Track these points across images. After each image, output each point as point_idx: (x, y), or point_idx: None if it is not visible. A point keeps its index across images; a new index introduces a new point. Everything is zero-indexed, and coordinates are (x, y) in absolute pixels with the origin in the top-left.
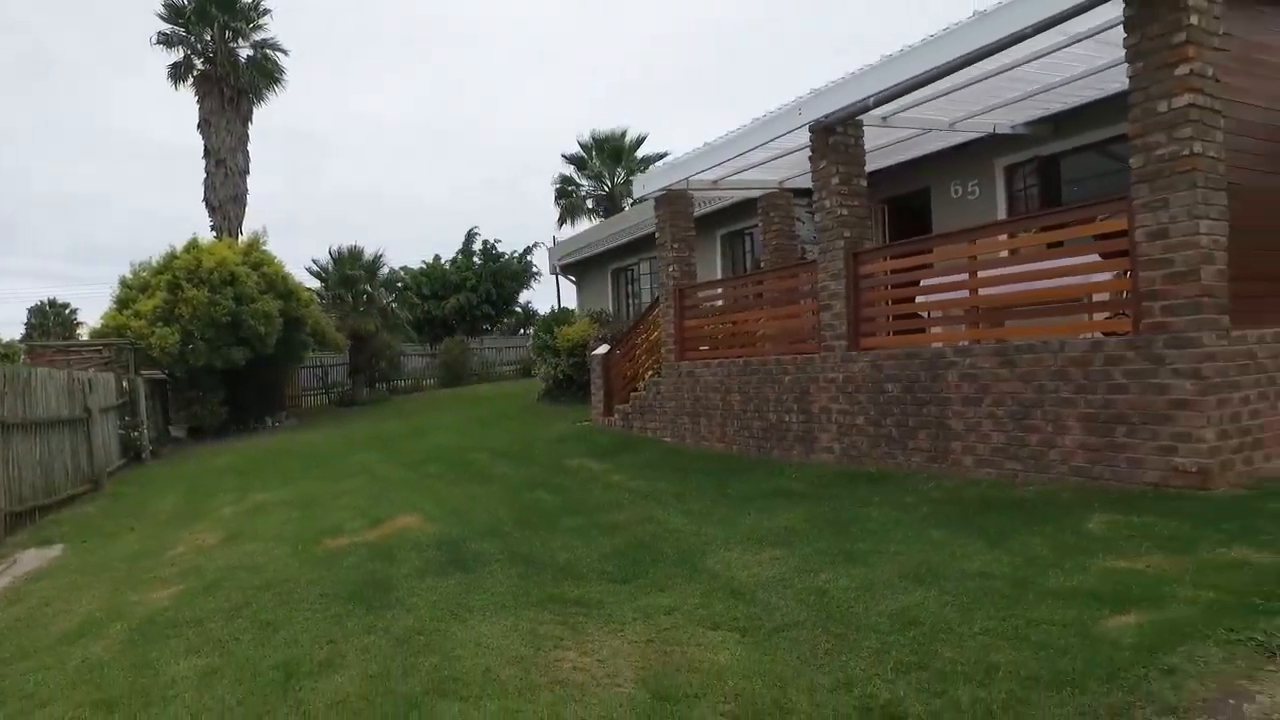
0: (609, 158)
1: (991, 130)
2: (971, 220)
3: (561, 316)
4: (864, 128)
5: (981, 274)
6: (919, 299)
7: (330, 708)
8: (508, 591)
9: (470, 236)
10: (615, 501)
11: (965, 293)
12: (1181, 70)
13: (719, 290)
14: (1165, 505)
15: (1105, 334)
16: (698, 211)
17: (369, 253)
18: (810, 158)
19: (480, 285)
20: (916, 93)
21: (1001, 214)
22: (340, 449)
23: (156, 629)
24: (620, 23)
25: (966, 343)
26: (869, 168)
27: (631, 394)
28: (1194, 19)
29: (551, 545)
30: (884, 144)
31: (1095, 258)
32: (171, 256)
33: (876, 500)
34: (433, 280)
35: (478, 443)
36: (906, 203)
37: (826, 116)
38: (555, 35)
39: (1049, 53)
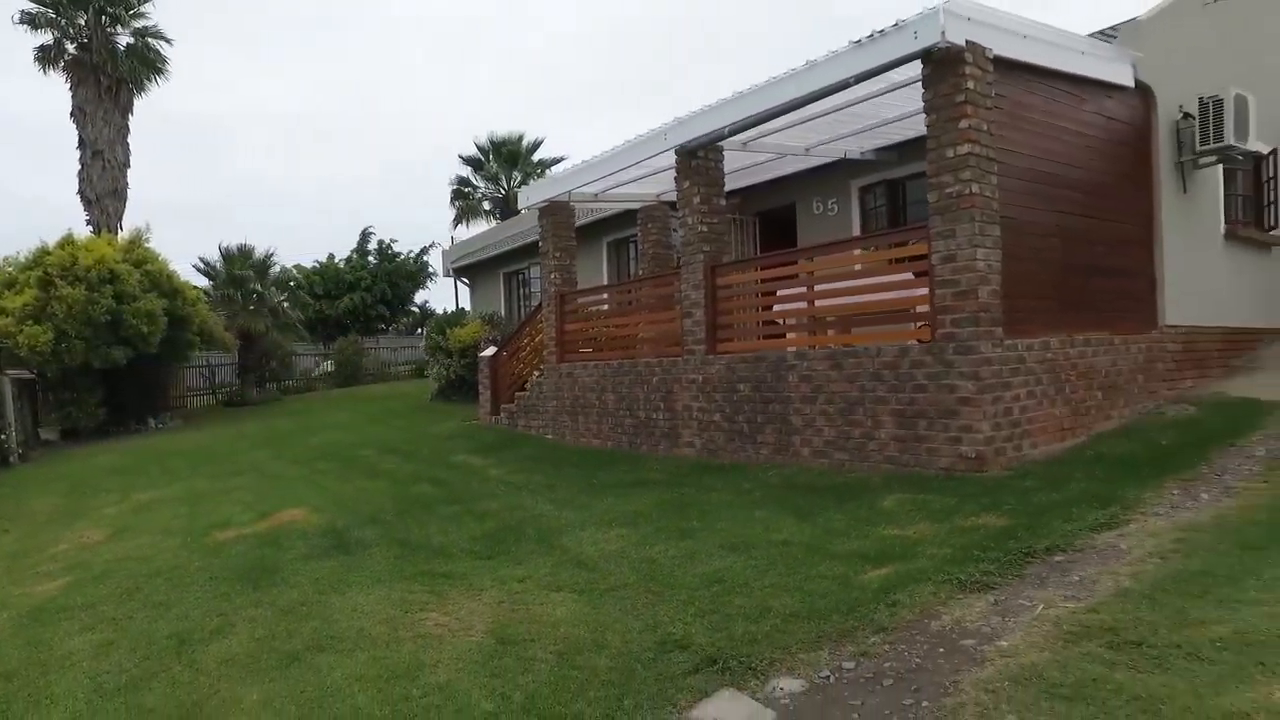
0: (506, 161)
1: (843, 155)
2: (831, 233)
3: (454, 318)
4: (726, 152)
5: (818, 288)
6: (776, 308)
7: (221, 664)
8: (384, 569)
9: (365, 235)
10: (491, 492)
11: (804, 304)
12: (963, 124)
13: (596, 297)
14: (948, 486)
15: (920, 341)
16: (586, 220)
17: (260, 251)
18: (675, 178)
19: (375, 285)
20: (774, 122)
21: (856, 229)
22: (229, 448)
23: (47, 614)
24: (526, 20)
25: (806, 348)
26: (743, 184)
27: (517, 394)
28: (971, 84)
29: (428, 530)
30: (756, 163)
31: (910, 276)
32: (43, 252)
33: (720, 488)
34: (326, 279)
35: (367, 440)
36: (776, 216)
37: (689, 142)
38: (456, 34)
39: (874, 96)
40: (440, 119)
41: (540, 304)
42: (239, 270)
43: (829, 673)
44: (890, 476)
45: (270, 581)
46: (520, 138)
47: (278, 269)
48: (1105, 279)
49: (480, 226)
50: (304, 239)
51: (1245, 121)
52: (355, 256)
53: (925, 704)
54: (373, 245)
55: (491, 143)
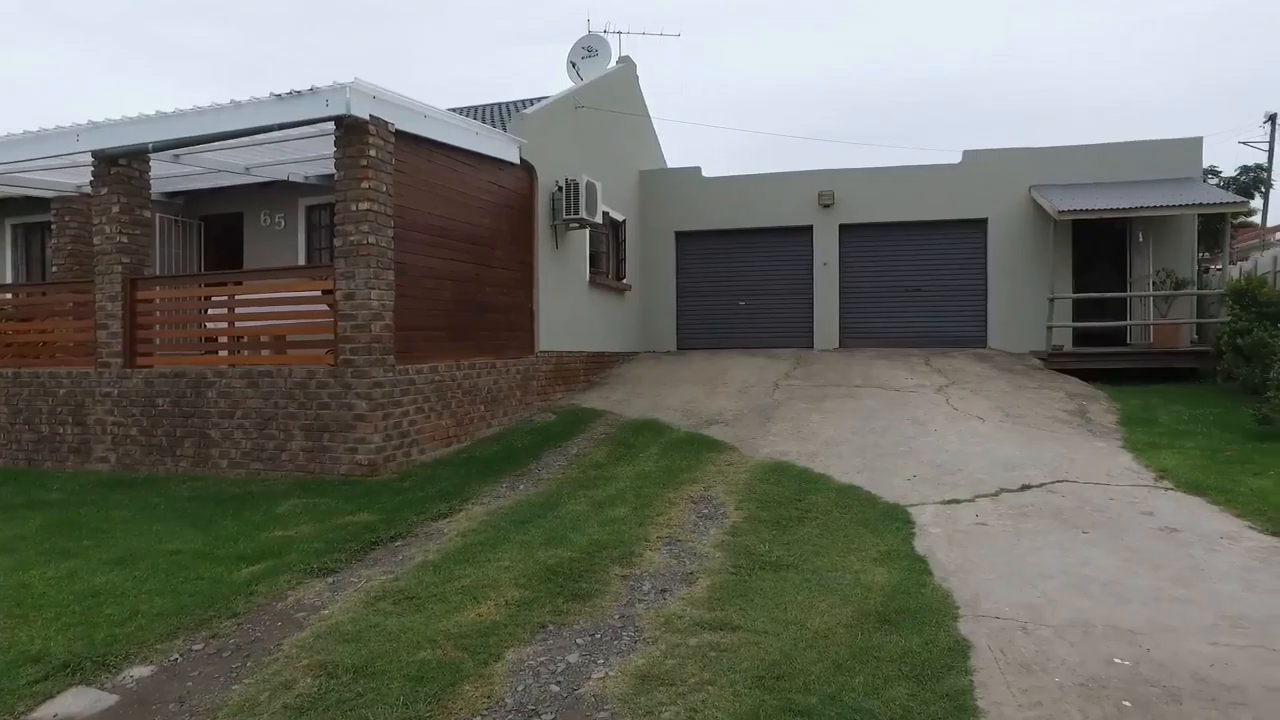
0: None
1: (287, 178)
2: (280, 246)
3: None
4: (153, 161)
5: (248, 310)
6: (209, 326)
7: None
8: None
9: None
10: None
11: (226, 324)
12: (365, 185)
13: None
14: (343, 489)
15: (328, 365)
16: None
17: None
18: (92, 183)
19: None
20: (213, 143)
21: (302, 244)
22: None
23: None
24: None
25: (225, 366)
26: (188, 187)
27: None
28: (374, 151)
29: None
30: (202, 169)
31: (325, 307)
32: None
33: (125, 504)
34: None
35: None
36: (223, 222)
37: (109, 149)
38: None
39: (311, 136)
40: None
41: None
42: None
43: (178, 656)
44: (299, 482)
45: None
46: None
47: None
48: (492, 315)
49: None
50: None
51: (595, 200)
52: None
53: (250, 664)
54: None
55: None
